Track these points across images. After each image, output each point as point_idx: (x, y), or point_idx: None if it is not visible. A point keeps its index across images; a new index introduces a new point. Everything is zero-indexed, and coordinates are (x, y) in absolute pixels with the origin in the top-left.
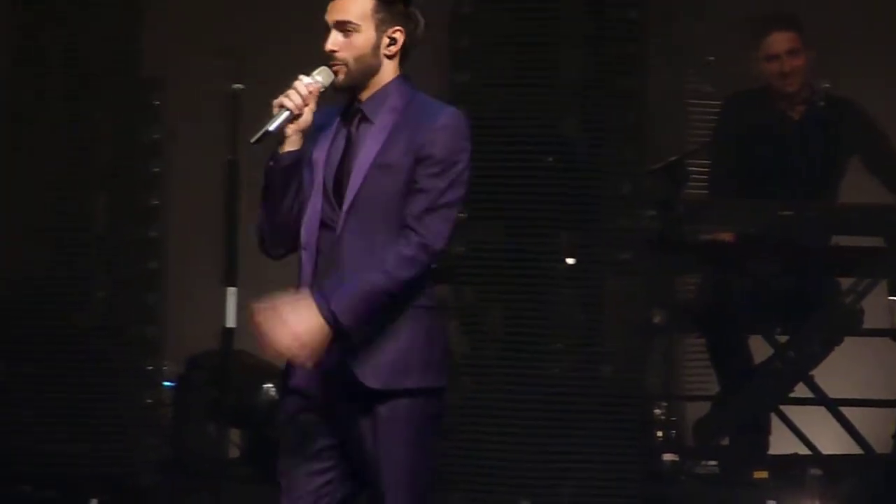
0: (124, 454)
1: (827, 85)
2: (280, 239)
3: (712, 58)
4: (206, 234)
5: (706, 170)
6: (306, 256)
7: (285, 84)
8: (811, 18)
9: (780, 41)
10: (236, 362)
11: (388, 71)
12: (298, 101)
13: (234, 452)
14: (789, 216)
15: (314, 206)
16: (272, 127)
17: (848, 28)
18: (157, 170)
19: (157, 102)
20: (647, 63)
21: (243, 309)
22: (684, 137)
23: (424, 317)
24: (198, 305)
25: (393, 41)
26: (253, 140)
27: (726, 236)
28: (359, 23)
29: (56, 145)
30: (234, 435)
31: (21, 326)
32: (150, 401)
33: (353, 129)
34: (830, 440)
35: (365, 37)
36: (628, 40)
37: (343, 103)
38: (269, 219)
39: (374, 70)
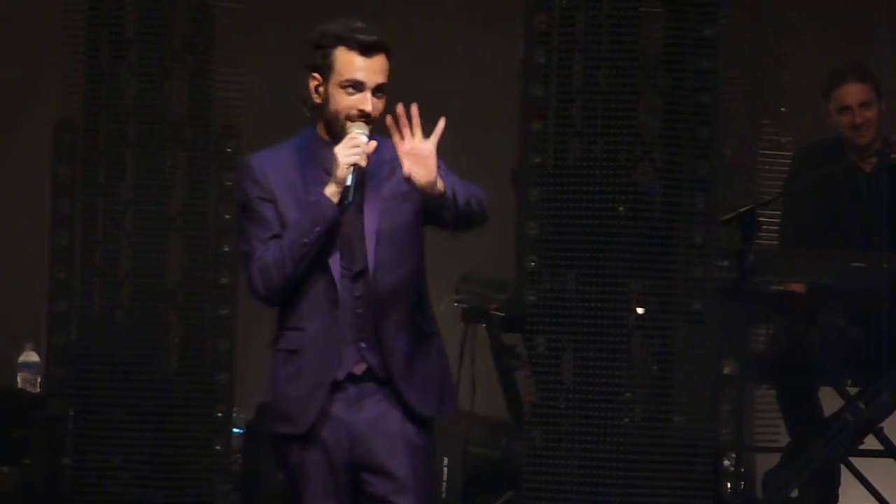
0: (196, 500)
1: None
2: (295, 286)
3: (783, 108)
4: None
5: (778, 220)
6: (328, 303)
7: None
8: (886, 71)
9: (852, 93)
10: None
11: None
12: (365, 159)
13: None
14: (860, 268)
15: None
16: (351, 183)
17: None
18: (228, 216)
19: (230, 150)
20: (721, 113)
21: None
22: (758, 187)
23: (440, 343)
24: (268, 352)
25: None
26: (349, 201)
27: (797, 287)
28: (388, 83)
29: (129, 191)
30: None
31: (99, 372)
32: (218, 447)
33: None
34: None
35: (387, 95)
36: (702, 90)
37: (286, 150)
38: (303, 267)
39: None
